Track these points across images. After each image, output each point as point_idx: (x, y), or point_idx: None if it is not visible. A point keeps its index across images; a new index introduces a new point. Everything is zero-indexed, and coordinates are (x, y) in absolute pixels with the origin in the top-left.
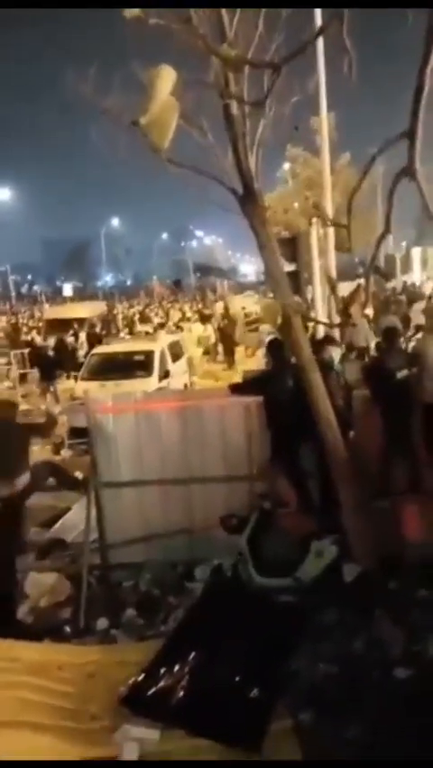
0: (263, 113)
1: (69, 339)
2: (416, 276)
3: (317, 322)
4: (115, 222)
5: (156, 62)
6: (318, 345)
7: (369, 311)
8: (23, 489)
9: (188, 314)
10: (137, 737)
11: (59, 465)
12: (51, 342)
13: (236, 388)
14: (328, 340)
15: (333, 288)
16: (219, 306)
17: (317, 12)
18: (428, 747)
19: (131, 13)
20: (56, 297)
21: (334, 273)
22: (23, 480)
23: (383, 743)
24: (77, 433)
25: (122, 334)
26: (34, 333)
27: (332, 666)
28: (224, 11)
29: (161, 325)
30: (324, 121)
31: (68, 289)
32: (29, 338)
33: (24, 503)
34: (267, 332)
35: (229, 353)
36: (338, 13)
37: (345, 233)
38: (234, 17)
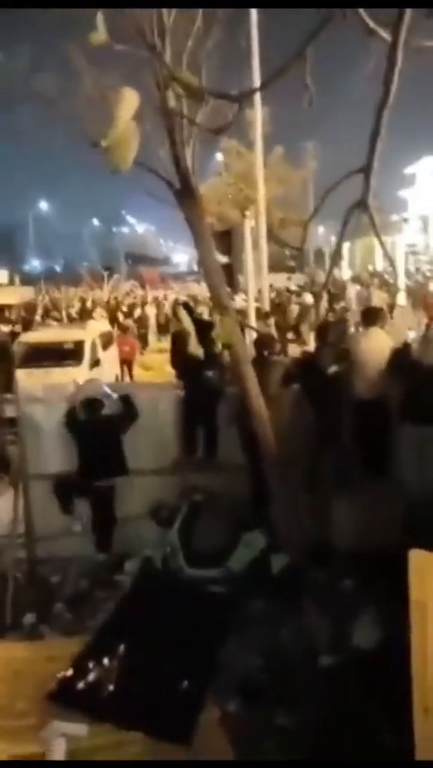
0: (201, 106)
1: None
2: (344, 270)
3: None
4: (44, 205)
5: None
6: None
7: None
8: None
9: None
10: (65, 733)
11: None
12: None
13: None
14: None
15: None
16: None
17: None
18: (352, 732)
19: (96, 39)
20: None
21: (265, 264)
22: None
23: (310, 730)
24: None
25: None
26: None
27: (259, 656)
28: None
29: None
30: (258, 114)
31: (2, 276)
32: None
33: None
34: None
35: None
36: (301, 53)
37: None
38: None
